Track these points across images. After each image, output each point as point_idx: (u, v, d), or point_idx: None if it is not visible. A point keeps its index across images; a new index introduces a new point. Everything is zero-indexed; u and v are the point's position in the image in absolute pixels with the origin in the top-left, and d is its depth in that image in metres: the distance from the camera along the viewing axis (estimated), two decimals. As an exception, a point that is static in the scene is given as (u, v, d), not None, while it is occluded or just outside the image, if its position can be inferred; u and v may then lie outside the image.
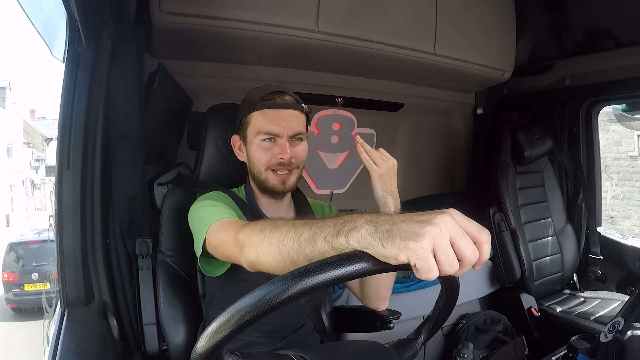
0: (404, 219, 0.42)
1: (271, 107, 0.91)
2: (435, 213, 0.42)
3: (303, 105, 0.95)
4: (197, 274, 1.02)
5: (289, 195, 1.02)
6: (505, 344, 1.58)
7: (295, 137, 0.93)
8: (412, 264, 0.40)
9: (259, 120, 0.91)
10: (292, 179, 0.94)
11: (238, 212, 0.92)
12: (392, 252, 0.40)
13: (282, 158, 0.90)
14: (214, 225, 0.78)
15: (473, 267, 0.43)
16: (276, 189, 0.93)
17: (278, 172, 0.92)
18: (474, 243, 0.42)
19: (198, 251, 0.82)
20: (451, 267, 0.40)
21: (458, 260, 0.41)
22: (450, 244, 0.40)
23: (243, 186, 1.02)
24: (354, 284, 1.00)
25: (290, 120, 0.92)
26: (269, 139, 0.91)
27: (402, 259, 0.40)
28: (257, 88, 0.96)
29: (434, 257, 0.40)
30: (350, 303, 1.42)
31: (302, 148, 0.95)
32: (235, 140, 0.99)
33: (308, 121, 0.98)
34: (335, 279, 0.41)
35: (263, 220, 0.64)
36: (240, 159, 0.99)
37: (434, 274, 0.40)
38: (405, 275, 1.62)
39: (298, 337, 0.95)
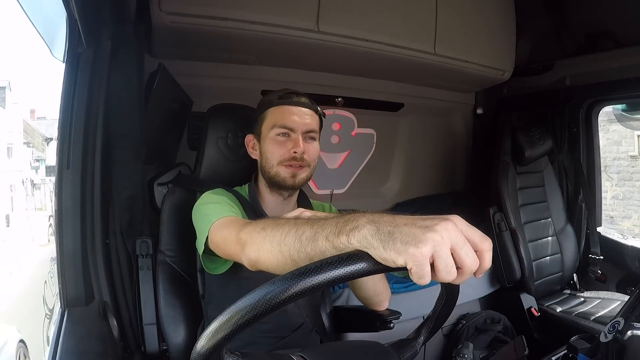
0: (406, 222, 0.42)
1: (288, 104, 0.95)
2: (438, 219, 0.42)
3: (318, 108, 0.98)
4: (197, 273, 1.02)
5: (294, 197, 1.02)
6: (505, 344, 1.58)
7: (308, 135, 0.95)
8: (408, 267, 0.40)
9: (275, 115, 0.94)
10: (302, 174, 0.95)
11: (241, 210, 0.92)
12: (392, 255, 0.41)
13: (295, 152, 0.92)
14: (217, 223, 0.78)
15: (474, 275, 0.43)
16: (286, 182, 0.94)
17: (291, 165, 0.94)
18: (476, 251, 0.42)
19: (200, 248, 0.82)
20: (449, 275, 0.40)
21: (458, 268, 0.41)
22: (450, 252, 0.40)
23: (247, 185, 1.02)
24: (356, 284, 1.00)
25: (305, 117, 0.94)
26: (284, 134, 0.94)
27: (400, 262, 0.40)
28: (276, 90, 0.99)
29: (433, 264, 0.40)
30: (350, 303, 1.42)
31: (314, 146, 0.97)
32: (250, 139, 1.01)
33: (321, 125, 1.01)
34: (336, 279, 0.41)
35: (265, 218, 0.65)
36: (253, 156, 1.00)
37: (425, 281, 0.40)
38: (406, 275, 1.62)
39: (297, 337, 0.95)
